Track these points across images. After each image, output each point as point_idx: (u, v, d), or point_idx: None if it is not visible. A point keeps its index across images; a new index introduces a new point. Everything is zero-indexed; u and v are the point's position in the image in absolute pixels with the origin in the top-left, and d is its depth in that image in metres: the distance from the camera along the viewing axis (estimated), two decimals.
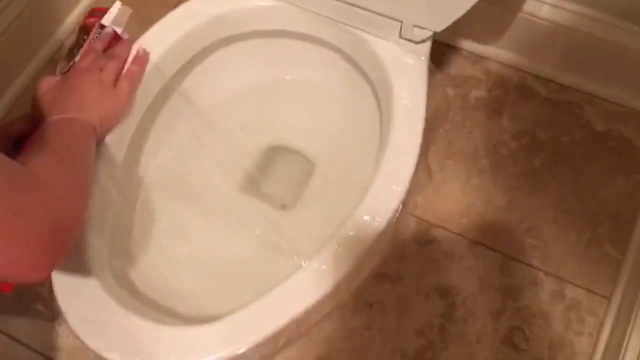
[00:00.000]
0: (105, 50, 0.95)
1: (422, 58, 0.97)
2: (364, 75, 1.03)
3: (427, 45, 0.97)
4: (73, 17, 1.38)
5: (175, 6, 1.02)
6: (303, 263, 0.83)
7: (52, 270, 0.69)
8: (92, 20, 1.08)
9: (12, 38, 1.26)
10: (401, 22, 0.95)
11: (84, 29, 1.07)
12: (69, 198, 0.71)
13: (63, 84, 0.88)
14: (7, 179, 0.62)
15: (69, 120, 0.84)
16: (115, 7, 1.01)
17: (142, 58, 0.95)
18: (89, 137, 0.84)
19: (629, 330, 0.99)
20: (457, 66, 1.32)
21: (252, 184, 1.09)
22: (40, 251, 0.64)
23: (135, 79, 0.93)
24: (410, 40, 0.97)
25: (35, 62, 1.34)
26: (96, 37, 0.98)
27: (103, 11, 1.01)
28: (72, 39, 1.36)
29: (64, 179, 0.72)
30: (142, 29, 1.32)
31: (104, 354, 0.79)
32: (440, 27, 0.94)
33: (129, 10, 1.03)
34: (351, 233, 0.84)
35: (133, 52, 0.95)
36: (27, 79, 1.33)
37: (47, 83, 0.89)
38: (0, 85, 1.30)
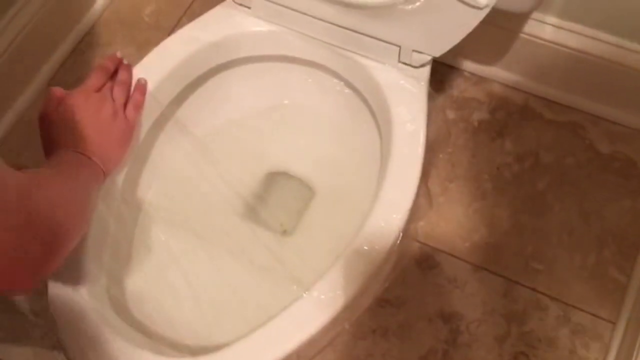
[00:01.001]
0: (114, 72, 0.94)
1: (422, 83, 0.96)
2: (363, 100, 1.02)
3: (427, 70, 0.97)
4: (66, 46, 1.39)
5: (170, 30, 1.01)
6: (304, 294, 0.82)
7: (36, 285, 0.67)
8: None
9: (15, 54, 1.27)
10: (399, 47, 0.95)
11: None
12: (64, 217, 0.69)
13: (77, 107, 0.86)
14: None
15: (83, 159, 0.83)
16: None
17: (144, 86, 0.95)
18: (96, 181, 0.83)
19: (634, 355, 0.98)
20: (458, 88, 1.32)
21: (251, 210, 1.08)
22: (26, 264, 0.62)
23: (140, 108, 0.93)
24: (409, 65, 0.96)
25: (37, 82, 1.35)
26: None
27: None
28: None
29: (62, 197, 0.71)
30: (138, 52, 1.34)
31: None
32: (439, 52, 0.94)
33: None
34: (351, 262, 0.83)
35: (135, 79, 0.95)
36: (27, 102, 1.34)
37: (57, 96, 0.87)
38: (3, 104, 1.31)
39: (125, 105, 0.91)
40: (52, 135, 0.85)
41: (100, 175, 0.84)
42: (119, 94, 0.90)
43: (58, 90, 0.88)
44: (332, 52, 1.00)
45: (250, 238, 1.04)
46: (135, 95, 0.93)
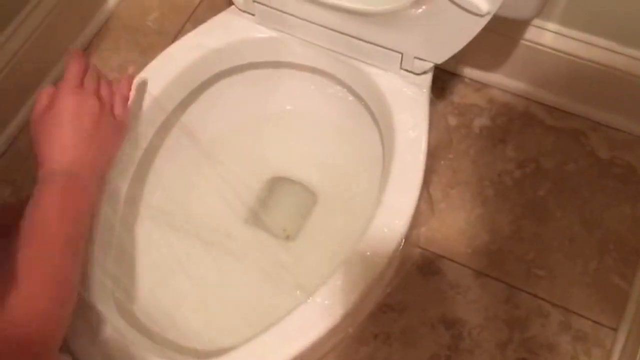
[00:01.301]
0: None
1: (424, 90, 0.97)
2: (366, 106, 1.03)
3: (429, 77, 0.97)
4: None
5: (174, 36, 1.02)
6: (309, 300, 0.82)
7: None
8: None
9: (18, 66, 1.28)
10: (402, 54, 0.95)
11: None
12: (50, 307, 0.68)
13: (65, 113, 0.80)
14: None
15: (72, 182, 0.78)
16: None
17: (131, 77, 0.91)
18: (88, 205, 0.80)
19: None
20: (460, 94, 1.32)
21: (255, 215, 1.08)
22: None
23: (128, 102, 0.89)
24: (411, 72, 0.97)
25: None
26: None
27: None
28: None
29: (48, 286, 0.69)
30: (142, 57, 1.35)
31: None
32: (440, 59, 0.94)
33: None
34: (354, 268, 0.84)
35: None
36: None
37: (47, 97, 0.82)
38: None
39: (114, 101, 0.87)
40: (41, 145, 0.80)
41: (92, 190, 0.81)
42: (105, 91, 0.85)
43: (45, 95, 0.82)
44: (334, 59, 1.01)
45: (253, 243, 1.05)
46: (121, 89, 0.88)
